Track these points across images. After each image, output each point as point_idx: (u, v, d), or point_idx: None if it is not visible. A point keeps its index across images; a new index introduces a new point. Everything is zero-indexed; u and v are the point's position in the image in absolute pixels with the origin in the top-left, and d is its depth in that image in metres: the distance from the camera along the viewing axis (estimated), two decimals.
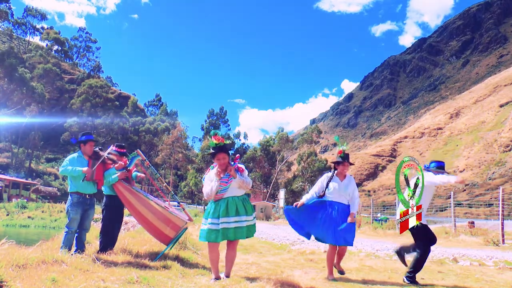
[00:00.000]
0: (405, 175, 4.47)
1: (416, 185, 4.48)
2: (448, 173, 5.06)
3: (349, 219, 4.56)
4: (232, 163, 4.11)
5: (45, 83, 67.96)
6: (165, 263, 4.71)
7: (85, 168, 4.98)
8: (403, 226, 4.45)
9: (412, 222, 4.42)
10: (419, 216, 4.44)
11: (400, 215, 4.46)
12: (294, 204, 4.75)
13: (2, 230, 22.14)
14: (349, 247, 6.78)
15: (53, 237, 7.20)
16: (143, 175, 5.76)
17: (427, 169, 4.88)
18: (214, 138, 4.05)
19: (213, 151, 4.06)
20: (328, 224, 4.55)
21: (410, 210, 4.42)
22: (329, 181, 4.74)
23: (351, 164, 4.90)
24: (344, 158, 4.78)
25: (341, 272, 4.89)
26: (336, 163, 4.83)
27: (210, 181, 4.07)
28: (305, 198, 4.79)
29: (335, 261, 4.84)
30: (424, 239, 4.61)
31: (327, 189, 4.72)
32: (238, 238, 4.05)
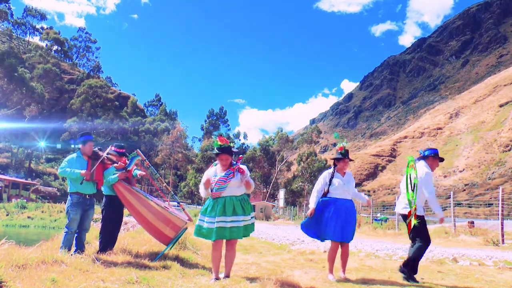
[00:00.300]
0: (410, 175, 4.51)
1: (414, 185, 4.51)
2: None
3: (366, 204, 5.03)
4: (234, 162, 4.13)
5: (45, 83, 68.04)
6: (165, 263, 4.71)
7: (83, 171, 4.96)
8: (410, 225, 4.54)
9: (413, 221, 4.47)
10: (416, 215, 4.49)
11: (408, 214, 4.53)
12: (308, 214, 4.73)
13: (2, 230, 22.15)
14: (349, 248, 6.78)
15: (52, 237, 7.18)
16: (143, 172, 5.76)
17: (424, 156, 4.84)
18: (219, 139, 4.08)
19: (217, 151, 4.08)
20: (331, 221, 4.56)
21: (412, 210, 4.48)
22: (332, 177, 4.73)
23: (351, 160, 4.90)
24: (345, 154, 4.78)
25: (347, 280, 4.67)
26: (337, 160, 4.83)
27: (206, 177, 4.11)
28: (312, 203, 4.71)
29: (338, 264, 4.80)
30: (423, 235, 4.61)
31: (331, 186, 4.69)
32: (234, 238, 4.06)
